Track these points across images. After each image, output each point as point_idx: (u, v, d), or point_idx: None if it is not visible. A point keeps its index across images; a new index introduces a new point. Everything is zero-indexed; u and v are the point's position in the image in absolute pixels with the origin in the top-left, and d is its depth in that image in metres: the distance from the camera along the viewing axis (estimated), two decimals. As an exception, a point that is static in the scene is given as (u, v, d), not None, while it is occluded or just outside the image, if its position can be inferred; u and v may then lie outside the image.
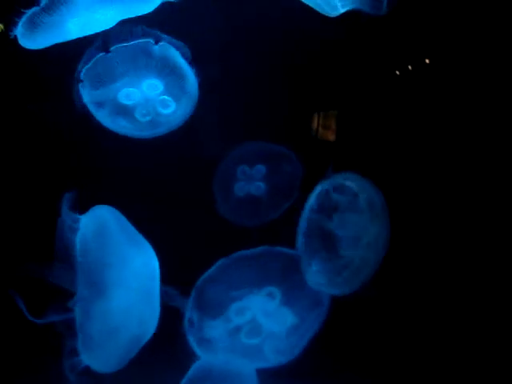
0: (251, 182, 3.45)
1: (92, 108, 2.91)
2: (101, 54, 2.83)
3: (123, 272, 2.82)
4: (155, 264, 2.93)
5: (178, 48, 2.92)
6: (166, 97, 2.95)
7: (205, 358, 3.02)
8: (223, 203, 3.43)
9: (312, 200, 3.00)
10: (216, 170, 3.42)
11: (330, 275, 2.94)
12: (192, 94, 2.99)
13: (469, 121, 3.48)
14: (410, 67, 3.50)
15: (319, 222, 2.98)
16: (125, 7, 2.70)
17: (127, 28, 2.82)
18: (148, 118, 2.95)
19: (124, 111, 2.92)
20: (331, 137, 3.56)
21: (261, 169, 3.46)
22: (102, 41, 2.81)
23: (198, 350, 3.00)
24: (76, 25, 2.67)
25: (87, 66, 2.83)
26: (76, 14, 2.64)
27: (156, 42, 2.87)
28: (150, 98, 2.93)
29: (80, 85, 2.85)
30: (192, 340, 2.99)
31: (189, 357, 2.99)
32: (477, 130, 3.46)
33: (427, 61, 3.46)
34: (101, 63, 2.84)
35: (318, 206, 2.98)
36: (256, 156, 3.44)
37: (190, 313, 2.98)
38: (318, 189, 2.99)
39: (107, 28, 2.76)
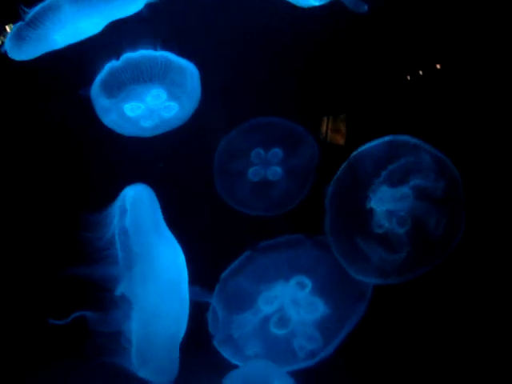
0: (267, 166, 3.35)
1: (100, 113, 2.99)
2: (110, 63, 2.89)
3: (154, 262, 2.82)
4: (182, 255, 2.91)
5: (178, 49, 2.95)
6: (170, 103, 2.99)
7: (234, 358, 3.03)
8: (236, 190, 3.34)
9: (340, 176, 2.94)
10: (227, 153, 3.35)
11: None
12: (195, 91, 3.03)
13: (478, 120, 3.38)
14: (419, 69, 3.42)
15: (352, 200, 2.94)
16: (107, 13, 2.74)
17: (135, 36, 2.89)
18: (153, 124, 3.02)
19: (129, 120, 2.99)
20: (341, 140, 3.52)
21: (277, 152, 3.35)
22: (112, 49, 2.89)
23: (226, 347, 3.03)
24: (62, 35, 2.74)
25: (98, 75, 2.91)
26: (60, 26, 2.71)
27: (158, 49, 2.92)
28: (154, 108, 2.99)
29: (90, 92, 2.94)
30: (220, 336, 3.03)
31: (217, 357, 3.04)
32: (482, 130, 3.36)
33: (438, 65, 3.37)
34: (109, 72, 2.90)
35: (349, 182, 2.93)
36: (271, 138, 3.32)
37: (216, 308, 3.01)
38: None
39: (94, 33, 2.80)
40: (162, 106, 3.00)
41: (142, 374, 2.76)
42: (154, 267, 2.78)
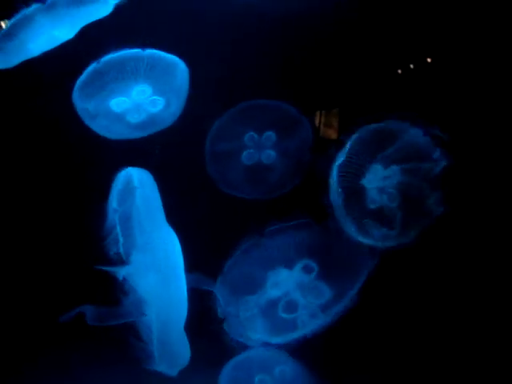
0: (261, 149, 3.31)
1: (86, 118, 3.03)
2: (92, 66, 2.93)
3: (161, 246, 2.83)
4: (177, 240, 2.90)
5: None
6: (155, 97, 3.01)
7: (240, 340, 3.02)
8: (230, 174, 3.30)
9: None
10: (219, 138, 3.30)
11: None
12: (183, 87, 3.06)
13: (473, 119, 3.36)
14: (411, 64, 3.40)
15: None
16: (79, 19, 2.85)
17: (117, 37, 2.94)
18: (140, 119, 3.04)
19: (117, 118, 3.01)
20: (333, 135, 3.49)
21: (270, 135, 3.31)
22: (93, 52, 2.93)
23: (233, 332, 3.01)
24: (36, 45, 2.87)
25: (80, 79, 2.95)
26: (35, 36, 2.83)
27: (144, 49, 2.95)
28: (140, 102, 3.01)
29: (74, 96, 2.97)
30: (228, 322, 3.01)
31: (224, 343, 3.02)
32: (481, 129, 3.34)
33: (429, 59, 3.34)
34: (92, 75, 2.94)
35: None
36: (264, 121, 3.28)
37: (222, 294, 3.00)
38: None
39: (68, 39, 2.91)
40: (147, 101, 3.01)
41: (162, 366, 2.80)
42: (160, 251, 2.80)
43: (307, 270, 3.00)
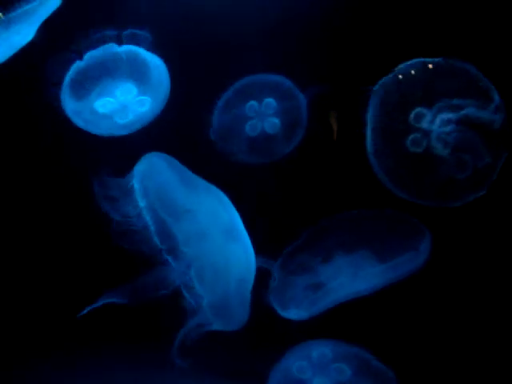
0: (264, 118, 3.15)
1: (72, 116, 2.96)
2: (75, 64, 2.86)
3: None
4: (229, 203, 2.88)
5: (140, 41, 2.89)
6: (142, 97, 2.94)
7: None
8: (236, 148, 3.16)
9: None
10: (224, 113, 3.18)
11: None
12: (163, 83, 2.98)
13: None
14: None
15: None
16: (33, 20, 2.78)
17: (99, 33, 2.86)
18: (128, 120, 2.97)
19: (103, 118, 2.95)
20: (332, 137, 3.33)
21: (270, 102, 3.15)
22: (75, 49, 2.87)
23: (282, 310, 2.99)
24: None
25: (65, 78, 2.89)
26: None
27: (120, 44, 2.87)
28: (126, 102, 2.93)
29: (58, 94, 2.91)
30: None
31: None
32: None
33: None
34: (75, 72, 2.87)
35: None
36: (262, 90, 3.14)
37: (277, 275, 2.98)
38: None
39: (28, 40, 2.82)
40: (135, 101, 2.94)
41: (217, 324, 2.80)
42: (206, 214, 2.78)
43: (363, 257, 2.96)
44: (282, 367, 2.98)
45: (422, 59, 2.79)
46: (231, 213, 2.84)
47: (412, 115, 2.82)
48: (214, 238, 2.76)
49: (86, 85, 2.85)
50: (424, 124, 2.82)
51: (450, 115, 2.79)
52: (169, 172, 2.82)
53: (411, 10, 3.16)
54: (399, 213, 2.94)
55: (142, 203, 2.74)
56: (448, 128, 2.81)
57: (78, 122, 2.95)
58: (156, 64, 2.92)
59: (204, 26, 3.11)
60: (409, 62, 2.80)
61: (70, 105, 2.90)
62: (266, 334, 3.06)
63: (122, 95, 2.89)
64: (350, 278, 2.94)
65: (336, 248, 2.96)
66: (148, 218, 2.74)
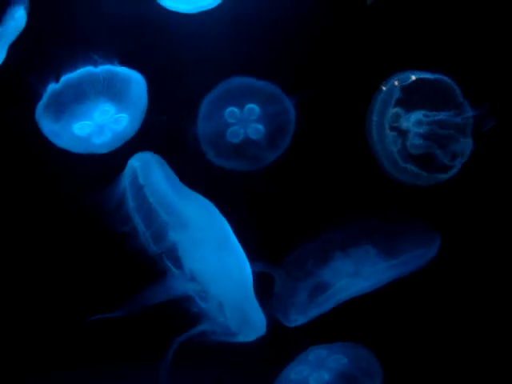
0: (247, 124, 3.09)
1: (50, 137, 2.94)
2: (50, 87, 2.82)
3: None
4: (217, 212, 2.86)
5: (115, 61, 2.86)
6: (119, 115, 2.92)
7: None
8: (217, 156, 3.11)
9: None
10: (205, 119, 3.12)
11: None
12: (142, 98, 2.96)
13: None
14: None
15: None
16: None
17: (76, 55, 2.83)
18: (106, 140, 2.95)
19: (81, 140, 2.93)
20: None
21: (253, 108, 3.09)
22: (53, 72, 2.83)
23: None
24: None
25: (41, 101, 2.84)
26: None
27: (96, 65, 2.82)
28: (103, 123, 2.91)
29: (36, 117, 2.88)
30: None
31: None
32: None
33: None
34: (50, 95, 2.83)
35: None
36: (244, 96, 3.08)
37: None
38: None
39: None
40: (111, 120, 2.91)
41: (242, 336, 2.79)
42: (198, 221, 2.78)
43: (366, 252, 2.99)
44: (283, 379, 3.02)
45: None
46: (221, 222, 2.82)
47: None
48: (208, 248, 2.75)
49: (61, 107, 2.82)
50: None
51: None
52: (162, 171, 2.82)
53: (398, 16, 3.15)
54: (404, 211, 3.00)
55: (133, 203, 2.76)
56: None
57: (57, 142, 2.94)
58: (135, 79, 2.89)
59: (181, 35, 3.05)
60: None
61: (46, 127, 2.88)
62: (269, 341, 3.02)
63: (99, 116, 2.87)
64: (355, 277, 2.94)
65: (338, 248, 2.98)
66: (142, 217, 2.76)
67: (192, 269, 2.75)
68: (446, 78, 2.99)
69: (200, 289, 2.75)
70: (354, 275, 2.94)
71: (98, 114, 2.87)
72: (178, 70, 3.07)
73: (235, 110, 3.07)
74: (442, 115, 2.99)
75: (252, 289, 2.80)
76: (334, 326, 3.05)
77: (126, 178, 2.79)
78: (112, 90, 2.83)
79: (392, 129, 3.02)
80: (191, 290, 2.77)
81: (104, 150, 2.96)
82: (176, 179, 2.85)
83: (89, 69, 2.78)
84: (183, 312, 2.80)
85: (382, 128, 3.01)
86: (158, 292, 2.81)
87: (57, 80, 2.79)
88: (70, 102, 2.81)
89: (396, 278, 2.97)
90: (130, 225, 2.78)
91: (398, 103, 3.00)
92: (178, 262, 2.77)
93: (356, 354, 3.03)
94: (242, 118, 3.07)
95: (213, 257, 2.74)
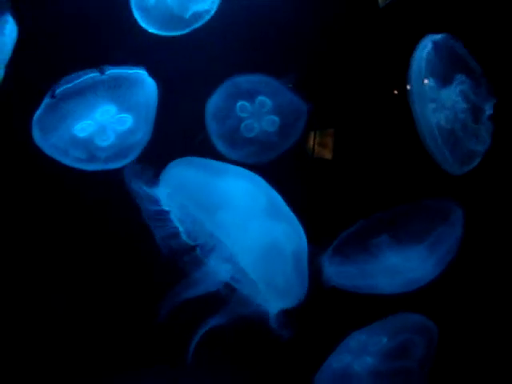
0: (260, 117, 3.03)
1: (56, 155, 2.86)
2: (47, 102, 2.73)
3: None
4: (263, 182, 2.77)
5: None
6: (121, 115, 2.84)
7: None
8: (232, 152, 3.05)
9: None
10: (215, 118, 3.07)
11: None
12: (151, 101, 2.88)
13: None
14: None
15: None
16: None
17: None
18: (109, 142, 2.86)
19: (84, 145, 2.85)
20: (328, 155, 3.29)
21: (264, 100, 3.03)
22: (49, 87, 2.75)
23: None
24: None
25: (37, 116, 2.76)
26: None
27: (102, 73, 2.75)
28: (105, 123, 2.82)
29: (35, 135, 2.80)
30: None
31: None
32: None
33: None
34: (49, 111, 2.75)
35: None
36: (253, 89, 3.03)
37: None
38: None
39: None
40: (113, 120, 2.83)
41: (275, 304, 2.71)
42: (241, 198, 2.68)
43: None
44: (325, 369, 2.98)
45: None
46: (267, 191, 2.73)
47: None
48: (255, 220, 2.67)
49: (59, 114, 2.76)
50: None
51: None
52: (194, 174, 2.71)
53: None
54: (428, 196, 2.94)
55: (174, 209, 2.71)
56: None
57: (63, 159, 2.88)
58: (139, 79, 2.83)
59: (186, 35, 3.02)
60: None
61: (43, 143, 2.82)
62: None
63: (101, 116, 2.82)
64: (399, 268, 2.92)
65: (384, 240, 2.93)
66: (183, 219, 2.71)
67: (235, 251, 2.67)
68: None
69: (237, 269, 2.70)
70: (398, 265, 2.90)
71: (100, 114, 2.80)
72: (184, 70, 3.03)
73: (246, 103, 3.03)
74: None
75: (305, 255, 2.75)
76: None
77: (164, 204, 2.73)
78: (113, 90, 2.78)
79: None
80: (227, 272, 2.74)
81: (110, 154, 2.88)
82: (210, 164, 2.77)
83: (92, 73, 2.73)
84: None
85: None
86: (191, 285, 2.76)
87: (53, 94, 2.73)
88: (68, 105, 2.74)
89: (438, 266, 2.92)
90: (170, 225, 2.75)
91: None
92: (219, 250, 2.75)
93: (395, 329, 3.00)
94: (253, 111, 3.03)
95: (261, 231, 2.66)
